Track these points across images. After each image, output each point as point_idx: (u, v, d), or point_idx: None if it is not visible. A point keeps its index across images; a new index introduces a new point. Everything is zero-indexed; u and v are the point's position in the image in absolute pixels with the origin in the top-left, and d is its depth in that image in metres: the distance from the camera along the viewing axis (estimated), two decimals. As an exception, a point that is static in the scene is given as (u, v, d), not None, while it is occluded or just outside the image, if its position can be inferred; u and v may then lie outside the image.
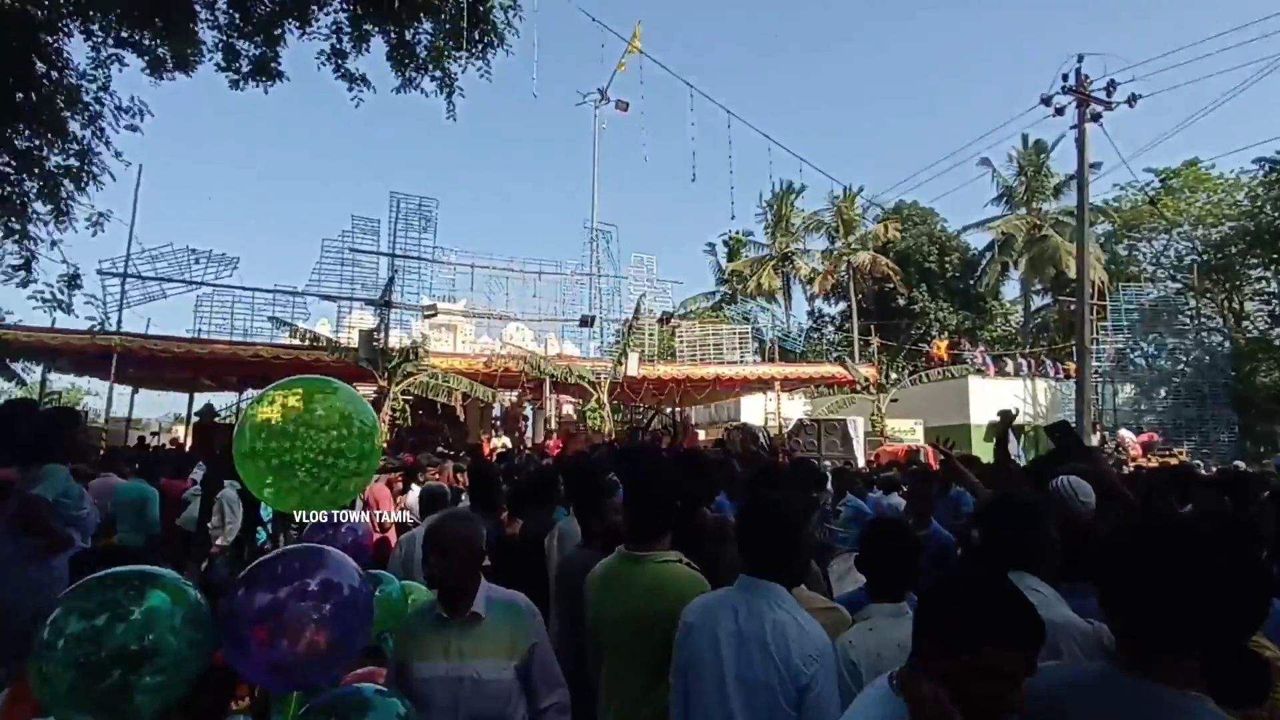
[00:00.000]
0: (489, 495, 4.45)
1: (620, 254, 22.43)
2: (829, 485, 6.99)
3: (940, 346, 26.58)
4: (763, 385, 20.59)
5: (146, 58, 6.32)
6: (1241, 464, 14.95)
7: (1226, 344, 25.08)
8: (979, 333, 35.34)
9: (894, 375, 19.85)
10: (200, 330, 16.14)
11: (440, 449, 15.72)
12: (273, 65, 6.57)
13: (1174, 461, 15.63)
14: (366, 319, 17.04)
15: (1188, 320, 25.69)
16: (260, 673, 1.67)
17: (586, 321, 20.22)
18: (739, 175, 27.89)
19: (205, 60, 6.42)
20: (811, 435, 14.75)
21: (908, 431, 19.46)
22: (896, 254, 35.48)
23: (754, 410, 23.78)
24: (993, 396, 22.56)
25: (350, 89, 7.08)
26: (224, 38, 6.42)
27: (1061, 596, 1.98)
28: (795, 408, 22.89)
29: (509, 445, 15.85)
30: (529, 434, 19.74)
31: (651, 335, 20.59)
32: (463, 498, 5.84)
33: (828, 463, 12.73)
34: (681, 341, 21.34)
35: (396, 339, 16.14)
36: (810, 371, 21.31)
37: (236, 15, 6.33)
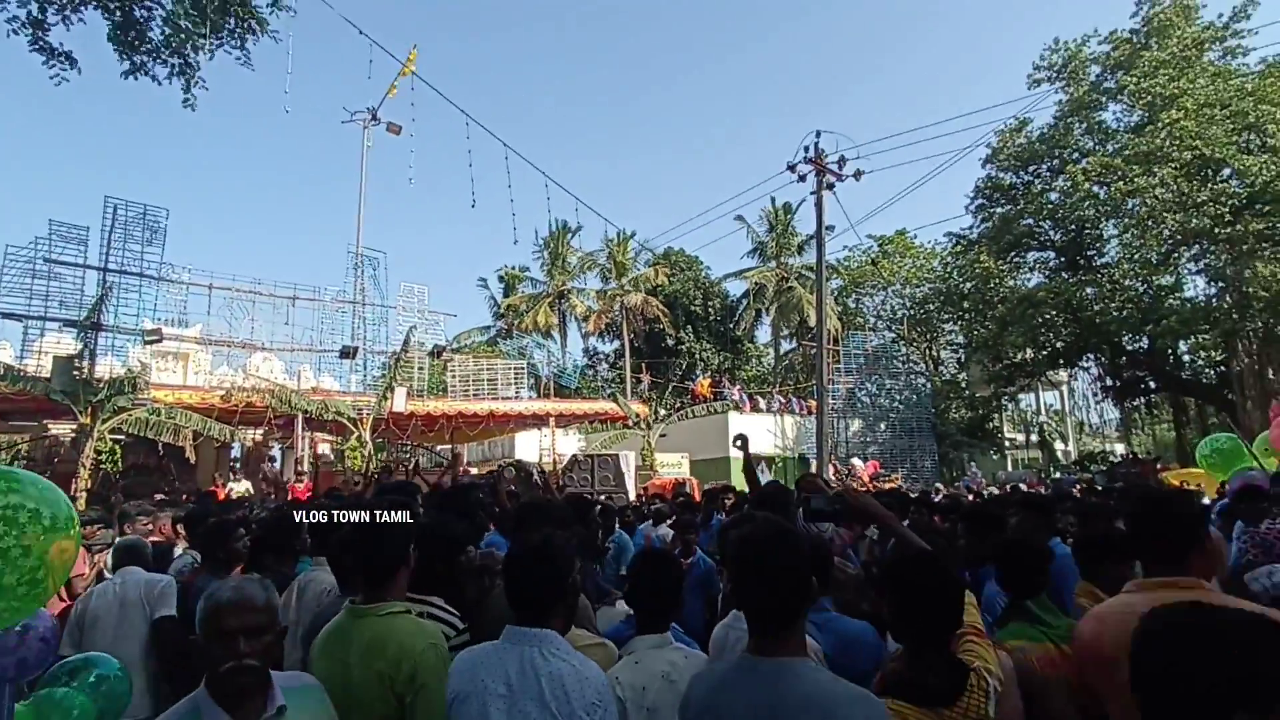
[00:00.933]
0: (219, 548, 3.83)
1: (389, 283, 21.16)
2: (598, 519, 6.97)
3: (703, 384, 28.50)
4: (538, 421, 20.43)
5: None
6: (940, 486, 17.65)
7: (928, 385, 29.79)
8: (737, 372, 38.47)
9: (662, 411, 20.80)
10: None
11: (160, 495, 13.43)
12: None
13: (892, 485, 18.07)
14: (66, 343, 14.20)
15: (900, 365, 30.15)
16: None
17: (348, 353, 18.66)
18: (518, 211, 27.87)
19: None
20: (585, 470, 14.79)
21: (675, 465, 20.41)
22: (665, 297, 37.68)
23: (529, 446, 23.52)
24: (748, 430, 24.51)
25: (49, 64, 5.92)
26: None
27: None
28: (570, 443, 23.04)
29: (250, 491, 13.96)
30: (281, 475, 17.59)
31: (421, 369, 19.56)
32: (176, 552, 4.93)
33: (602, 497, 12.83)
34: (454, 376, 20.54)
35: (106, 368, 13.64)
36: (585, 407, 21.60)
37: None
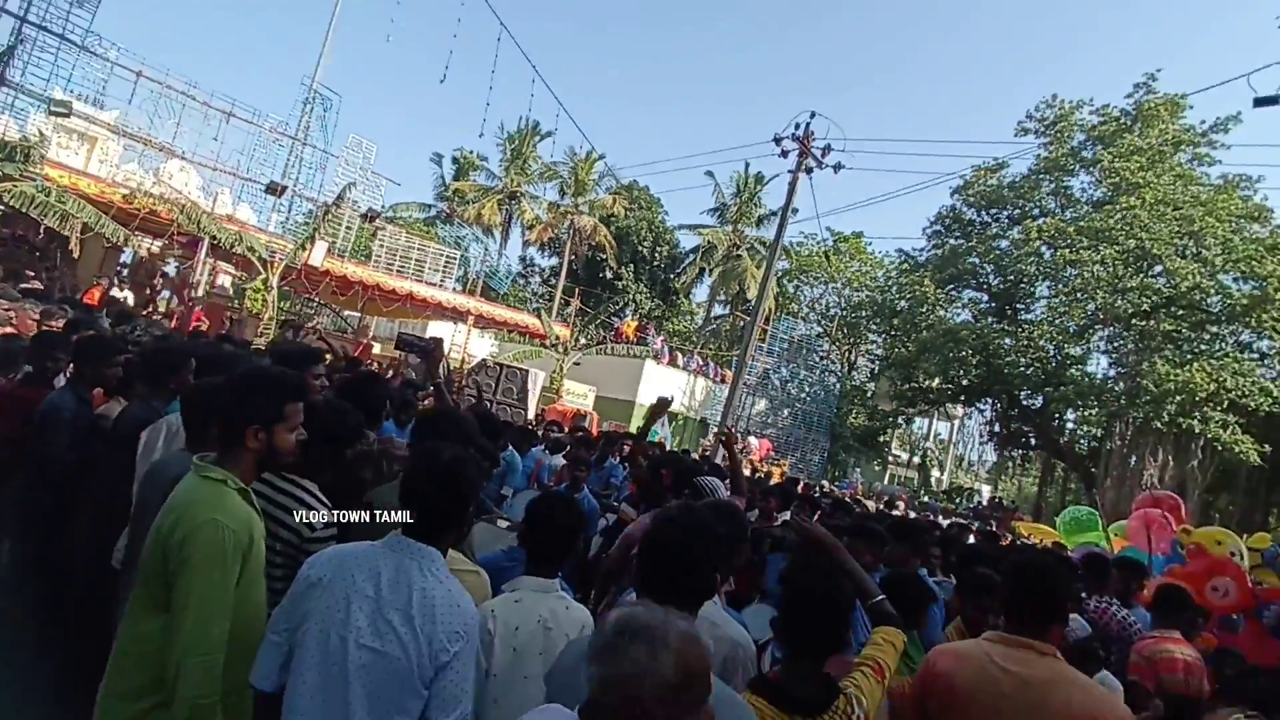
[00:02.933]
0: (98, 362, 3.61)
1: (336, 129, 19.86)
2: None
3: (630, 326, 28.44)
4: (457, 315, 19.90)
5: None
6: (825, 483, 18.45)
7: (837, 386, 30.83)
8: (666, 323, 38.61)
9: (583, 340, 20.65)
10: None
11: (33, 282, 12.33)
12: None
13: (778, 471, 18.73)
14: (-43, 85, 12.63)
15: (818, 359, 31.01)
16: None
17: (275, 189, 17.46)
18: (493, 102, 26.60)
19: None
20: (491, 377, 14.58)
21: (581, 396, 20.41)
22: (617, 229, 37.05)
23: (441, 338, 22.97)
24: (661, 381, 24.81)
25: None
26: None
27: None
28: (483, 346, 22.64)
29: (130, 301, 12.99)
30: (165, 295, 16.45)
31: (349, 229, 18.58)
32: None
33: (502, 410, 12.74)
34: (381, 246, 19.64)
35: (1, 126, 12.24)
36: (507, 315, 21.19)
37: None
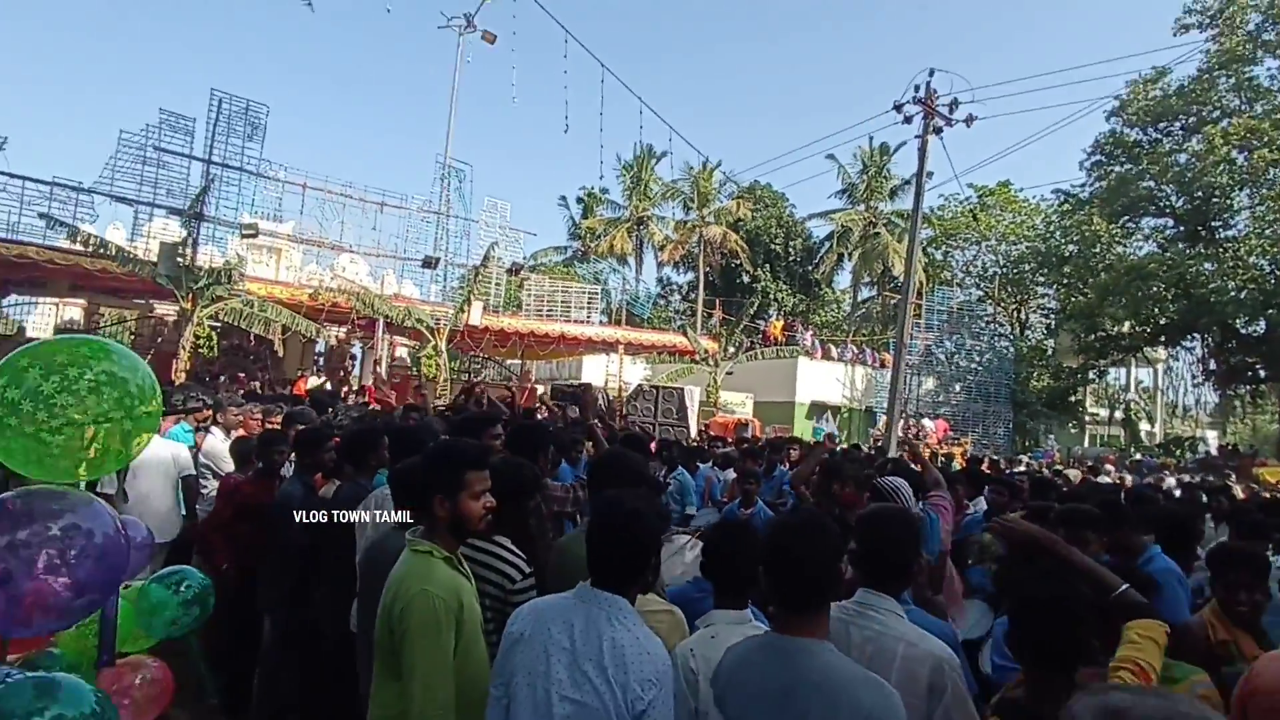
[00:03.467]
0: (313, 451, 4.14)
1: (473, 196, 21.33)
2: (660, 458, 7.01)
3: (776, 326, 28.00)
4: (607, 347, 20.58)
5: None
6: (1022, 459, 17.06)
7: (1011, 350, 28.47)
8: (811, 316, 37.64)
9: (731, 349, 20.62)
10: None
11: (256, 386, 14.29)
12: None
13: (959, 451, 17.58)
14: (172, 229, 14.94)
15: (983, 325, 28.82)
16: None
17: (430, 262, 19.06)
18: (606, 135, 27.42)
19: None
20: (649, 401, 14.89)
21: (739, 404, 20.37)
22: (746, 233, 36.78)
23: (596, 371, 23.81)
24: (817, 377, 24.19)
25: None
26: None
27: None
28: (637, 372, 23.22)
29: (328, 387, 14.65)
30: (356, 374, 18.41)
31: (498, 285, 19.84)
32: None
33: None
34: (529, 294, 20.79)
35: (207, 257, 14.32)
36: (654, 338, 21.60)
37: None
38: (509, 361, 23.39)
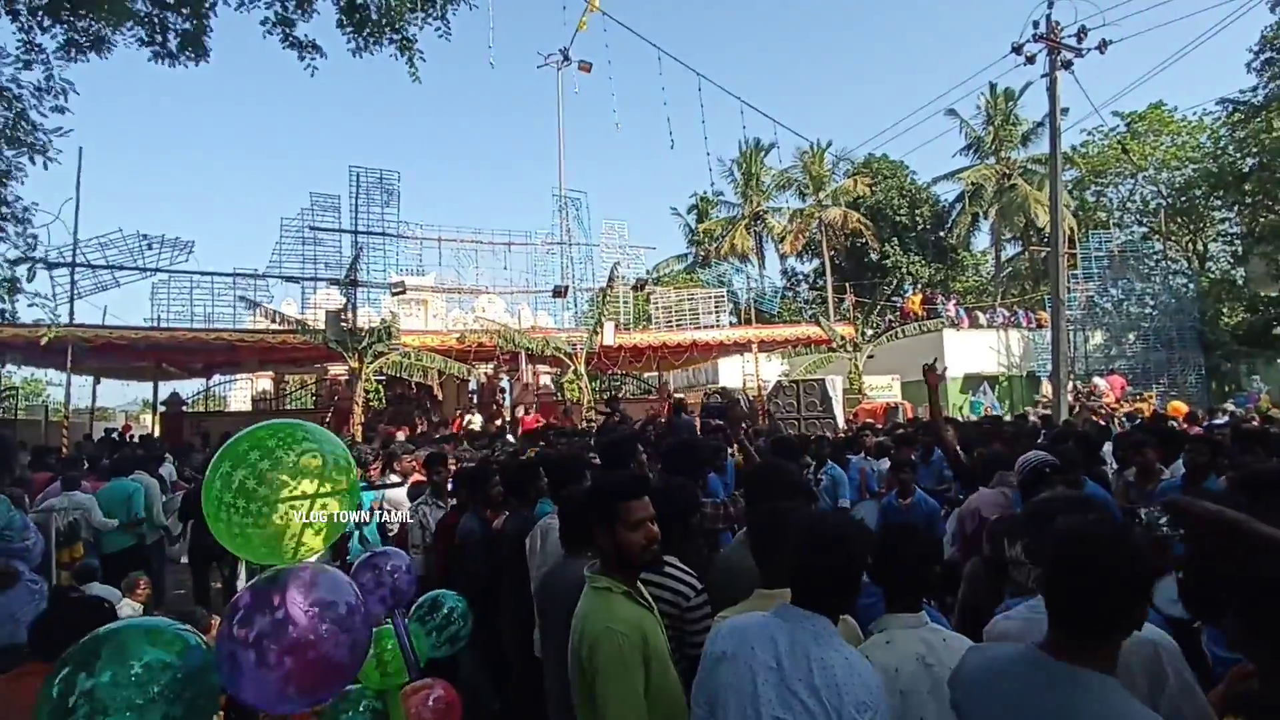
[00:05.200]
0: (483, 487, 4.48)
1: (590, 220, 22.00)
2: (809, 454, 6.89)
3: (914, 301, 26.68)
4: (740, 348, 20.51)
5: (62, 38, 5.80)
6: (1232, 407, 15.16)
7: (1191, 287, 25.39)
8: (951, 285, 35.52)
9: (869, 332, 19.88)
10: (159, 318, 15.55)
11: (421, 429, 15.54)
12: (203, 39, 6.09)
13: (1145, 407, 15.91)
14: (333, 298, 16.56)
15: (1154, 264, 25.91)
16: (254, 695, 1.57)
17: (560, 292, 19.88)
18: (711, 137, 27.49)
19: (127, 36, 5.84)
20: (790, 396, 14.68)
21: (885, 388, 19.58)
22: (867, 209, 35.35)
23: (732, 373, 23.75)
24: (967, 348, 22.77)
25: (301, 57, 6.68)
26: (150, 9, 5.89)
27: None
28: (773, 369, 22.92)
29: (481, 424, 15.65)
30: (507, 407, 19.50)
31: (626, 303, 20.32)
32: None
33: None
34: (656, 307, 21.11)
35: (365, 318, 15.73)
36: (786, 333, 21.26)
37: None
38: (646, 375, 23.84)
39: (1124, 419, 13.23)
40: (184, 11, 5.86)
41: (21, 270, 6.75)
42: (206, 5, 5.86)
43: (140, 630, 1.49)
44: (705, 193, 39.10)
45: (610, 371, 20.63)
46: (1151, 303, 24.37)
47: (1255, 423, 9.82)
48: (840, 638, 1.76)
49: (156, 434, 17.17)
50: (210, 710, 1.49)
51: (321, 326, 14.34)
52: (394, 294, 17.27)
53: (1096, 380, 18.70)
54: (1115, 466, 5.51)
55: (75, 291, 14.54)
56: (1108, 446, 6.08)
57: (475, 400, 20.00)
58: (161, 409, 19.00)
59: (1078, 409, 15.10)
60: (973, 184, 33.12)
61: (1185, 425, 8.99)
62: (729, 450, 6.09)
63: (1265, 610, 1.44)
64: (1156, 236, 28.09)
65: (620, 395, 20.21)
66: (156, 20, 5.88)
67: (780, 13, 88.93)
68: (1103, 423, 11.32)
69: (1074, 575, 1.43)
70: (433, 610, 2.39)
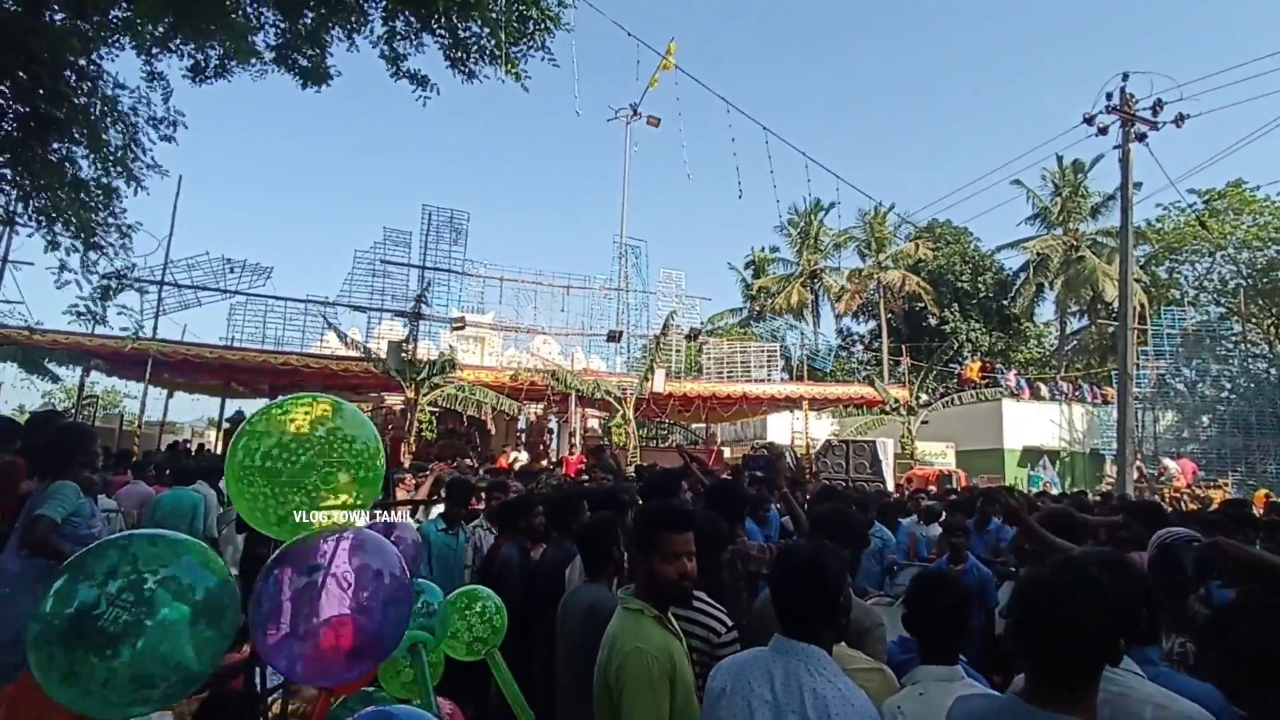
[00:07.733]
0: (524, 517, 4.59)
1: (649, 269, 22.37)
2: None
3: (973, 368, 26.04)
4: (790, 404, 20.31)
5: (190, 61, 6.22)
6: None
7: (1273, 371, 24.13)
8: (1012, 354, 34.59)
9: (924, 396, 19.45)
10: (233, 338, 16.36)
11: (469, 461, 15.77)
12: (323, 67, 6.42)
13: (1218, 495, 15.08)
14: (396, 329, 17.14)
15: (1231, 345, 24.77)
16: (286, 665, 1.62)
17: (614, 336, 20.16)
18: (767, 190, 27.75)
19: (256, 65, 6.20)
20: (839, 456, 14.42)
21: (939, 455, 19.05)
22: (928, 273, 34.97)
23: (781, 429, 23.48)
24: (1027, 420, 22.05)
25: (414, 90, 6.86)
26: (279, 40, 6.27)
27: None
28: (823, 427, 22.58)
29: (526, 460, 15.79)
30: (554, 447, 19.65)
31: (679, 351, 20.45)
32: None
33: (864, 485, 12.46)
34: (708, 358, 21.17)
35: (425, 350, 16.21)
36: (838, 391, 21.00)
37: (285, 23, 6.18)
38: (694, 425, 23.75)
39: (1192, 503, 12.55)
40: (307, 51, 6.22)
41: (114, 283, 7.18)
42: (328, 43, 6.19)
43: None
44: (762, 249, 39.36)
45: (658, 420, 20.64)
46: (1228, 385, 23.26)
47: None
48: (836, 668, 1.77)
49: (220, 449, 17.87)
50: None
51: (384, 356, 14.83)
52: (454, 329, 17.79)
53: (1167, 462, 17.83)
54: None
55: (161, 308, 15.43)
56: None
57: (524, 439, 20.23)
58: (225, 425, 19.78)
59: (1145, 491, 14.40)
60: (1038, 254, 32.49)
61: (1267, 516, 8.47)
62: (772, 503, 6.02)
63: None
64: (1235, 317, 26.93)
65: (668, 445, 20.16)
66: (284, 54, 6.23)
67: (845, 79, 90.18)
68: (1170, 508, 10.76)
69: (1036, 627, 1.43)
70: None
